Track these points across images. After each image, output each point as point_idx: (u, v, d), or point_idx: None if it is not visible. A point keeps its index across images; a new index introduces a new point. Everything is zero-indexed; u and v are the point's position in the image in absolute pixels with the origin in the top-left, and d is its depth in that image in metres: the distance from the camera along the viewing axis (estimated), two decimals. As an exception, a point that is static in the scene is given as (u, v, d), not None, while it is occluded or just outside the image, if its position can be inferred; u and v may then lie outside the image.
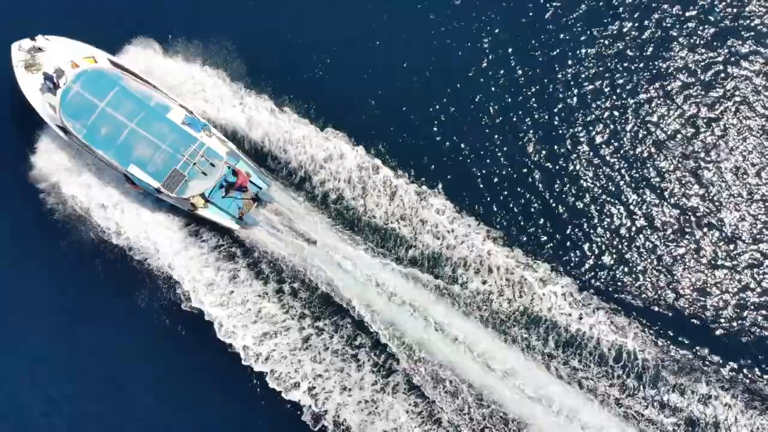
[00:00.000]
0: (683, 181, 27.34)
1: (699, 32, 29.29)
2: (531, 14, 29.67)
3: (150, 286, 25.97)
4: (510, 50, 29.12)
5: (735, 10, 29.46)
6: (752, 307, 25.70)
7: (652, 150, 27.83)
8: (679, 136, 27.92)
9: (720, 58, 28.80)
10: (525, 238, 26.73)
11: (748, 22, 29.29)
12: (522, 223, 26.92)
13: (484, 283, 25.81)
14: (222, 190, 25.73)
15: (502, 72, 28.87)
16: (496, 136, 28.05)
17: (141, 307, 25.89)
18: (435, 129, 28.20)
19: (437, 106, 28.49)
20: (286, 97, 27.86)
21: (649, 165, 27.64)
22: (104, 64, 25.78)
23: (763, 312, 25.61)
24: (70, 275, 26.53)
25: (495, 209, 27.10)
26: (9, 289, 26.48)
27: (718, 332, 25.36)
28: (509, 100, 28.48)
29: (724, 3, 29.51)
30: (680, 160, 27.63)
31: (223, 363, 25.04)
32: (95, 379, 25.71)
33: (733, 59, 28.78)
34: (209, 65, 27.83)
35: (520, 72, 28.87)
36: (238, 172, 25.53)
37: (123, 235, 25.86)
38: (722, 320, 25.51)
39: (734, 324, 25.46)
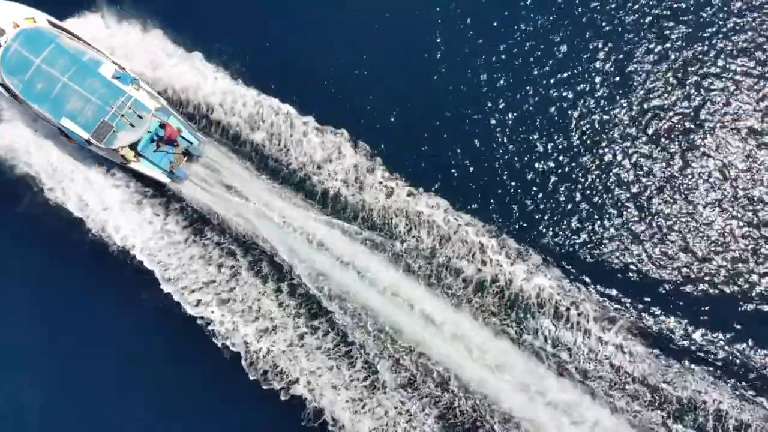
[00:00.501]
0: (674, 176, 27.03)
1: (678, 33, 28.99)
2: (522, 18, 29.71)
3: (148, 286, 26.35)
4: (504, 52, 29.18)
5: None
6: (742, 301, 25.36)
7: (641, 144, 27.56)
8: (668, 131, 27.61)
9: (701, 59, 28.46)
10: (517, 231, 26.79)
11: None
12: (514, 217, 27.03)
13: (479, 270, 25.87)
14: (153, 145, 26.57)
15: (500, 70, 28.89)
16: (489, 134, 28.13)
17: (139, 306, 26.25)
18: (429, 126, 28.36)
19: (433, 105, 28.67)
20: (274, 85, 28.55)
21: (640, 158, 27.36)
22: (42, 23, 27.19)
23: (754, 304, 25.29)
24: (70, 276, 27.27)
25: (487, 203, 27.28)
26: (8, 289, 27.38)
27: (706, 324, 25.00)
28: (504, 97, 28.52)
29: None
30: (669, 155, 27.25)
31: (222, 361, 25.35)
32: (94, 378, 26.30)
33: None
34: (210, 61, 28.77)
35: (518, 69, 28.86)
36: (166, 125, 26.34)
37: (118, 236, 26.61)
38: (711, 312, 25.18)
39: (725, 316, 25.11)
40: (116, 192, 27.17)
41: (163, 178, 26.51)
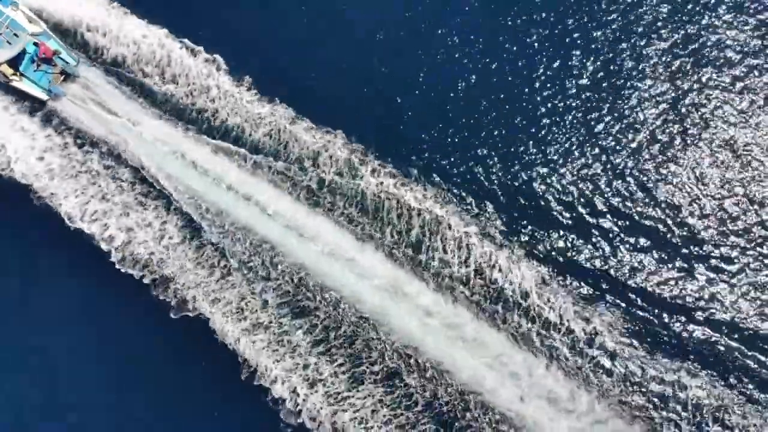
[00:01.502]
0: (665, 175, 27.11)
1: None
2: (517, 20, 30.29)
3: (148, 285, 26.35)
4: (500, 53, 29.65)
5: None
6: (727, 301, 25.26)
7: (634, 141, 27.70)
8: (661, 130, 27.85)
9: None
10: (504, 223, 26.81)
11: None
12: (502, 210, 27.08)
13: (464, 260, 25.87)
14: (34, 65, 28.61)
15: (498, 70, 29.39)
16: (483, 132, 28.34)
17: (139, 306, 26.27)
18: (423, 122, 28.57)
19: (429, 101, 28.96)
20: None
21: (631, 155, 27.54)
22: None
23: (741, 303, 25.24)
24: (70, 276, 27.59)
25: (478, 197, 27.27)
26: (8, 289, 27.74)
27: (689, 315, 24.94)
28: (502, 97, 28.90)
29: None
30: (661, 152, 27.43)
31: (221, 361, 25.04)
32: (94, 378, 26.22)
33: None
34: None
35: (516, 70, 29.33)
36: (39, 44, 28.39)
37: (116, 241, 26.89)
38: (691, 305, 25.07)
39: (706, 312, 25.01)
40: (122, 194, 27.86)
41: (42, 95, 28.32)
